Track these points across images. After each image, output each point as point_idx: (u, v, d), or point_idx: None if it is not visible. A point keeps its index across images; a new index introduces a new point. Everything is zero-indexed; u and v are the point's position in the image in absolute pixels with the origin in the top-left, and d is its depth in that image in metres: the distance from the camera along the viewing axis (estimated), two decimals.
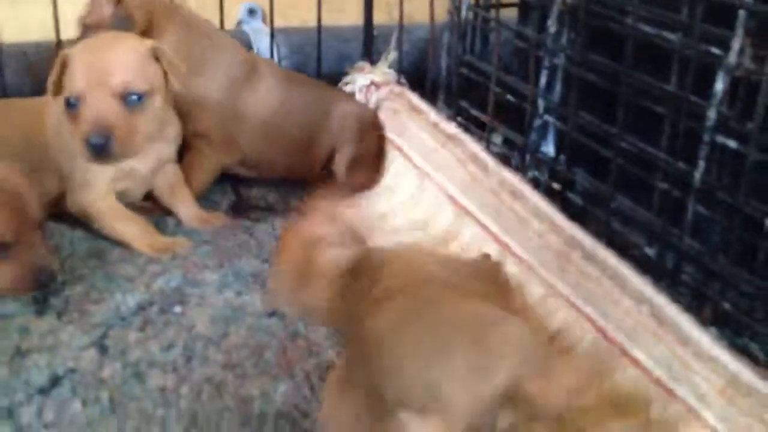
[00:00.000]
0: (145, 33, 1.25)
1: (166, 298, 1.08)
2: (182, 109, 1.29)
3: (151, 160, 1.23)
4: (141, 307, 1.06)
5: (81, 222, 1.22)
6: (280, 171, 1.43)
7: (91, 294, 1.08)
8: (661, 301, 0.90)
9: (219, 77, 1.33)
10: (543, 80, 1.29)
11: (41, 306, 1.05)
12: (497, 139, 1.44)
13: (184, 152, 1.34)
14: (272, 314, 1.05)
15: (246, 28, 1.69)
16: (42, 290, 1.07)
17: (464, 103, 1.50)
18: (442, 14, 1.57)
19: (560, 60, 1.28)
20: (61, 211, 1.22)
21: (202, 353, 0.98)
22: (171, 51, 1.19)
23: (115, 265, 1.15)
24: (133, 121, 1.11)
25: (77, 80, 1.10)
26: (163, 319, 1.04)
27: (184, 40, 1.30)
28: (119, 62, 1.11)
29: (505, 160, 1.29)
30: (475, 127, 1.45)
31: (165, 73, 1.16)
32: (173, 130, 1.27)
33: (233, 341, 1.00)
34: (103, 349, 0.98)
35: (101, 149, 1.08)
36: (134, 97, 1.11)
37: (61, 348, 0.97)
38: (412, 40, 1.67)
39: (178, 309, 1.06)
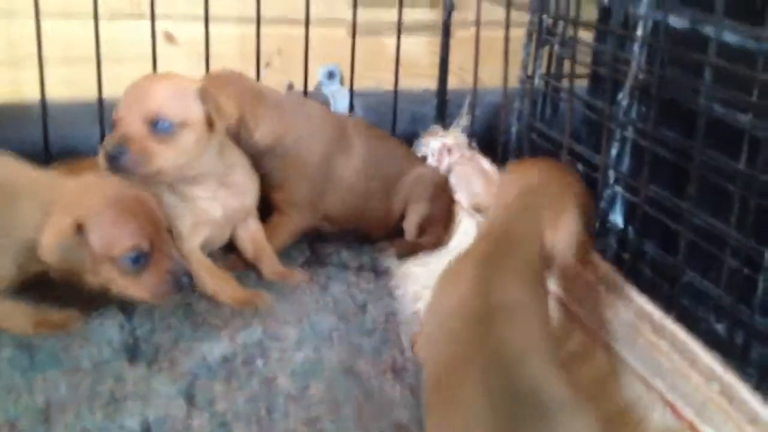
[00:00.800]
0: (239, 122, 1.32)
1: (248, 350, 1.14)
2: (278, 178, 1.37)
3: (220, 206, 1.29)
4: (226, 359, 1.12)
5: None
6: (356, 226, 1.49)
7: (180, 343, 1.15)
8: (731, 379, 0.92)
9: (315, 149, 1.41)
10: (613, 151, 1.33)
11: (133, 353, 1.13)
12: None
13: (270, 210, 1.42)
14: (349, 372, 1.11)
15: (325, 89, 1.78)
16: (179, 293, 1.14)
17: None
18: (513, 80, 1.63)
19: (630, 133, 1.32)
20: None
21: (283, 407, 1.03)
22: (269, 137, 1.28)
23: (201, 316, 1.22)
24: (157, 145, 1.16)
25: (120, 106, 1.19)
26: (247, 371, 1.10)
27: (279, 121, 1.38)
28: (157, 92, 1.18)
29: None
30: None
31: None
32: (241, 180, 1.32)
33: (312, 396, 1.06)
34: (190, 399, 1.04)
35: (114, 159, 1.14)
36: (164, 125, 1.16)
37: (152, 396, 1.04)
38: (484, 105, 1.73)
39: (260, 362, 1.12)
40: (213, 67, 1.59)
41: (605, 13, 1.43)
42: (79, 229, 1.06)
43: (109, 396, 1.03)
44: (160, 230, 1.12)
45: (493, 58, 1.61)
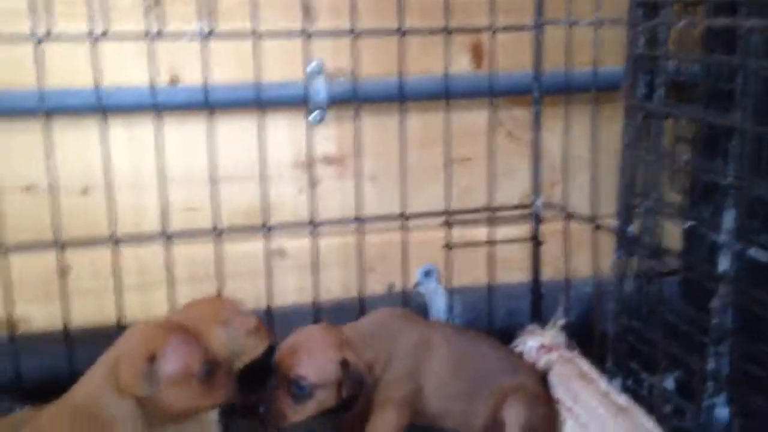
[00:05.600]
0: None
1: None
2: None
3: None
4: None
5: None
6: (458, 423, 1.54)
7: None
8: None
9: (400, 366, 1.52)
10: (711, 364, 1.36)
11: None
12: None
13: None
14: None
15: (422, 288, 1.89)
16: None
17: (633, 364, 1.58)
18: (606, 269, 1.67)
19: (725, 347, 1.34)
20: None
21: None
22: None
23: None
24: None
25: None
26: None
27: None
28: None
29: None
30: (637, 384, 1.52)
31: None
32: None
33: None
34: None
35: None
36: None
37: None
38: (578, 295, 1.79)
39: None
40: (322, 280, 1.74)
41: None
42: (151, 359, 1.18)
43: None
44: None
45: (583, 249, 1.68)
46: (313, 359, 1.40)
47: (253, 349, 1.48)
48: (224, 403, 1.29)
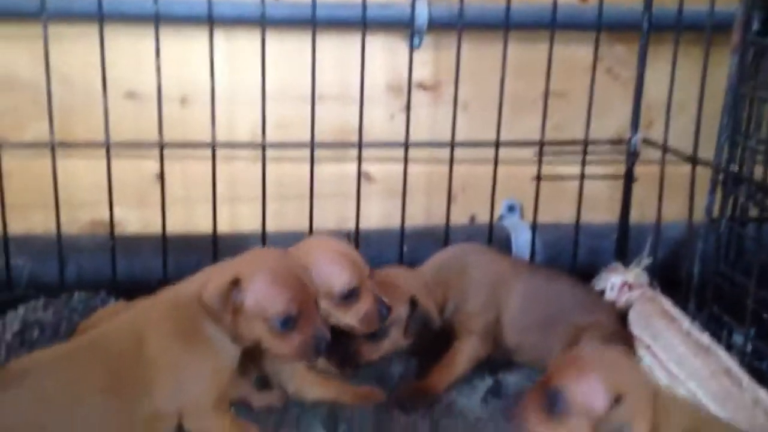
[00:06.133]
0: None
1: None
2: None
3: None
4: None
5: None
6: (533, 357, 1.56)
7: None
8: None
9: (476, 301, 1.55)
10: None
11: None
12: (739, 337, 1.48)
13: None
14: None
15: (505, 222, 1.89)
16: (318, 357, 1.29)
17: (716, 309, 1.56)
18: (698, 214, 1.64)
19: None
20: None
21: None
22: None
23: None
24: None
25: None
26: None
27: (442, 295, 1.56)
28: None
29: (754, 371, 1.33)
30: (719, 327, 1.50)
31: None
32: None
33: None
34: None
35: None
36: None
37: None
38: (664, 240, 1.75)
39: None
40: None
41: None
42: (236, 284, 1.18)
43: None
44: (310, 300, 1.24)
45: (673, 193, 1.65)
46: (388, 297, 1.42)
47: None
48: (303, 360, 1.29)
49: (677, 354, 1.44)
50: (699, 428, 1.11)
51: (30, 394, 1.13)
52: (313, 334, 1.22)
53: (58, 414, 1.13)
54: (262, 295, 1.19)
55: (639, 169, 1.80)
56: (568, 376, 1.09)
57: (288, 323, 1.20)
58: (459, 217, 1.93)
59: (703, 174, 1.57)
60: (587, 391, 1.07)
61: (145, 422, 1.19)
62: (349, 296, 1.36)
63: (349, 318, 1.38)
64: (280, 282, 1.20)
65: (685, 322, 1.47)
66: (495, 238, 1.81)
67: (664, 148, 1.61)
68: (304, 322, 1.21)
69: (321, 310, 1.30)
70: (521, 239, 1.83)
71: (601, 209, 1.91)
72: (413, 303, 1.48)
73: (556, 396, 1.08)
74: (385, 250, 1.79)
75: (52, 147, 1.60)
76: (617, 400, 1.05)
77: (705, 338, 1.42)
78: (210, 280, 1.21)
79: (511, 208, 1.91)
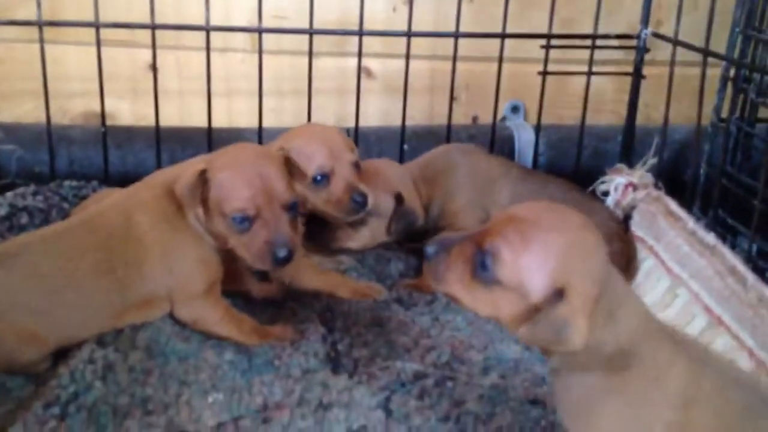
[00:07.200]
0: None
1: (438, 371, 1.22)
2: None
3: None
4: (417, 377, 1.21)
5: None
6: None
7: (376, 359, 1.25)
8: None
9: (459, 199, 1.54)
10: None
11: (335, 364, 1.24)
12: (745, 244, 1.47)
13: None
14: (534, 402, 1.16)
15: (509, 123, 1.84)
16: (276, 267, 1.21)
17: (721, 212, 1.53)
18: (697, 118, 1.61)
19: None
20: None
21: (473, 428, 1.10)
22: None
23: (392, 334, 1.32)
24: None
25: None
26: (438, 392, 1.17)
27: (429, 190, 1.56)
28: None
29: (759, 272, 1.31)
30: (724, 230, 1.48)
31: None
32: None
33: (500, 421, 1.12)
34: (388, 412, 1.13)
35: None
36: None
37: (354, 405, 1.14)
38: (669, 143, 1.72)
39: (449, 384, 1.20)
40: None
41: None
42: (202, 176, 1.15)
43: (317, 402, 1.14)
44: (273, 203, 1.18)
45: (679, 95, 1.61)
46: (371, 188, 1.42)
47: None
48: (261, 267, 1.22)
49: (681, 254, 1.42)
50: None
51: (21, 274, 1.10)
52: (268, 239, 1.16)
53: (50, 294, 1.11)
54: (222, 189, 1.16)
55: (647, 70, 1.74)
56: (508, 239, 0.85)
57: (244, 222, 1.16)
58: (461, 118, 1.88)
59: (712, 75, 1.52)
60: (525, 265, 0.83)
61: (137, 307, 1.18)
62: (321, 180, 1.39)
63: (319, 202, 1.40)
64: (242, 179, 1.16)
65: (690, 221, 1.44)
66: (497, 138, 1.77)
67: (675, 42, 1.55)
68: (262, 225, 1.17)
69: (298, 194, 1.26)
70: (524, 140, 1.79)
71: (606, 112, 1.87)
72: (399, 199, 1.46)
73: (485, 258, 0.85)
74: (386, 149, 1.75)
75: (40, 27, 1.53)
76: (559, 293, 0.82)
77: (710, 237, 1.39)
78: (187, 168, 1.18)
79: (514, 109, 1.87)
